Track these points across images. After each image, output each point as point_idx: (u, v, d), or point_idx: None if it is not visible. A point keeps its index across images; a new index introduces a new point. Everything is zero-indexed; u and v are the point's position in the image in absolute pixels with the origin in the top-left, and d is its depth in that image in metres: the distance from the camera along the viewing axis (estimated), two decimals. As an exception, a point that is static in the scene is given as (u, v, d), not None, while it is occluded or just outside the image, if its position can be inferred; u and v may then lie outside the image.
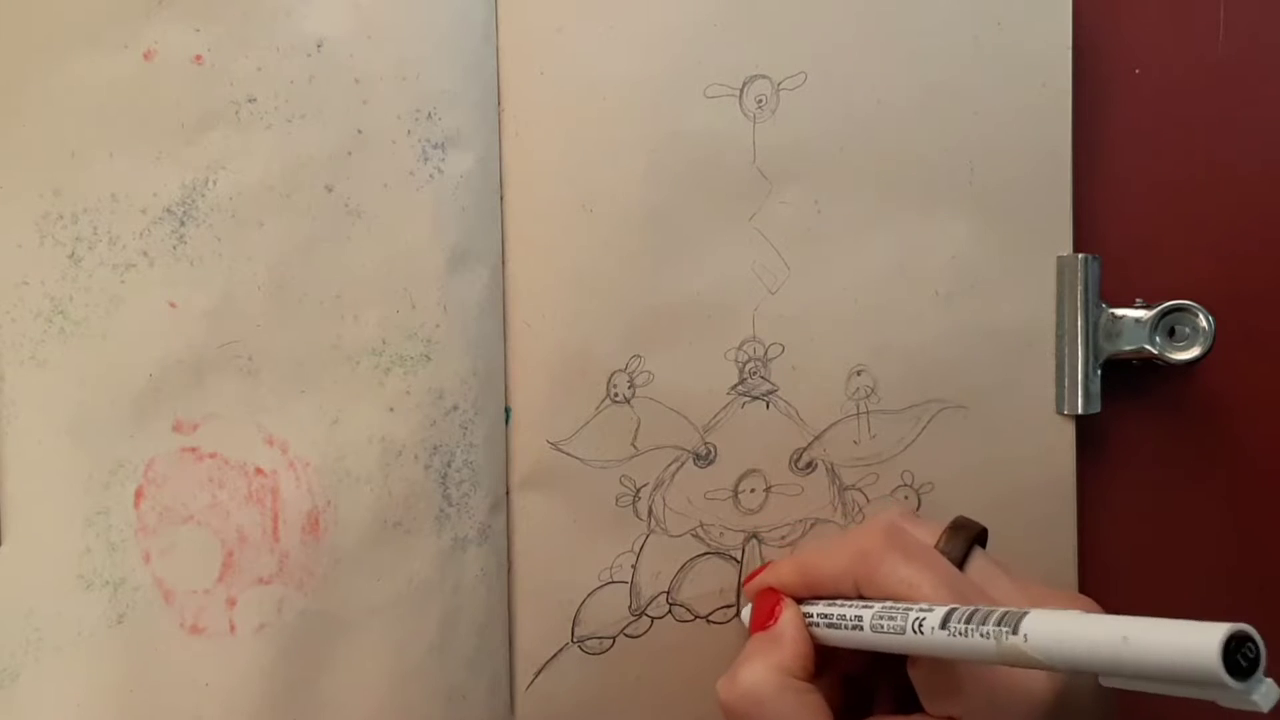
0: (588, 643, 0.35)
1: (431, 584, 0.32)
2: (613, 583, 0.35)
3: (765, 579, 0.32)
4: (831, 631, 0.29)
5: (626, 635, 0.35)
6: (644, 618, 0.35)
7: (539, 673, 0.34)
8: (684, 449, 0.35)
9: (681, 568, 0.35)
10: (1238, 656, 0.19)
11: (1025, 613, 0.23)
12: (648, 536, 0.35)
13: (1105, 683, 0.22)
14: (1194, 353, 0.35)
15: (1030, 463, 0.36)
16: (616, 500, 0.35)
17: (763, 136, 0.34)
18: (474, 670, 0.33)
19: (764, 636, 0.30)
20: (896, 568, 0.28)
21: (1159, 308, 0.35)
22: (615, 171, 0.34)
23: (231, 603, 0.31)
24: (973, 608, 0.25)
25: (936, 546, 0.29)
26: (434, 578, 0.32)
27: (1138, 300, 0.36)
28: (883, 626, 0.27)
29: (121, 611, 0.30)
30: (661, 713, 0.35)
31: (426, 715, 0.32)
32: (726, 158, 0.34)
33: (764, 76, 0.34)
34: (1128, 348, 0.35)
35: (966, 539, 0.30)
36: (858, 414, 0.35)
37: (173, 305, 0.30)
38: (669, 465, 0.35)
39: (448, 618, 0.33)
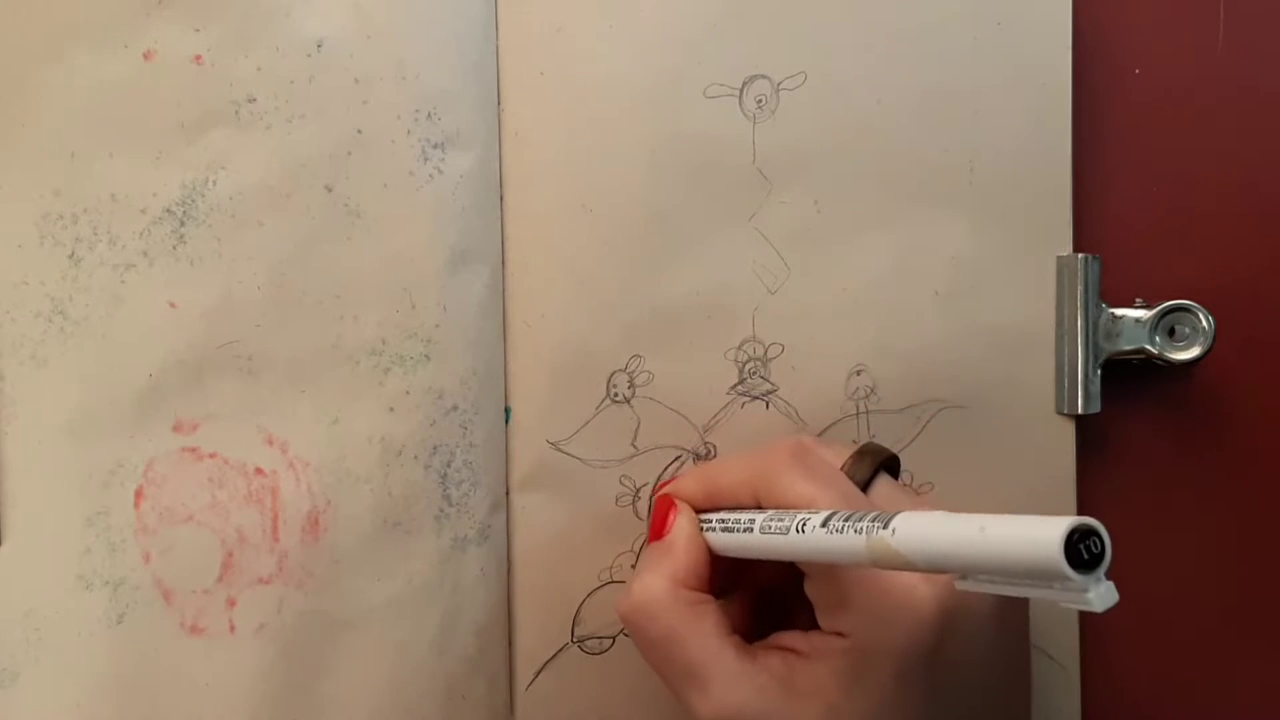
0: (588, 643, 0.35)
1: (431, 584, 0.32)
2: (613, 583, 0.35)
3: (666, 489, 0.32)
4: (726, 536, 0.29)
5: (626, 635, 0.35)
6: (644, 618, 0.35)
7: (539, 673, 0.34)
8: (684, 449, 0.35)
9: (681, 568, 0.35)
10: (1081, 548, 0.19)
11: (898, 513, 0.23)
12: (648, 536, 0.35)
13: (960, 586, 0.22)
14: (1194, 353, 0.35)
15: (1030, 463, 0.36)
16: (616, 500, 0.35)
17: (763, 136, 0.34)
18: (474, 670, 0.33)
19: (658, 546, 0.30)
20: (795, 482, 0.28)
21: (1159, 308, 0.35)
22: (615, 171, 0.34)
23: (231, 603, 0.31)
24: (853, 511, 0.25)
25: (842, 469, 0.30)
26: (434, 578, 0.32)
27: (1138, 300, 0.36)
28: (770, 528, 0.27)
29: (121, 611, 0.30)
30: (661, 713, 0.35)
31: (426, 715, 0.32)
32: (726, 158, 0.34)
33: (764, 76, 0.34)
34: (1128, 348, 0.35)
35: (873, 463, 0.30)
36: (857, 414, 0.35)
37: (173, 305, 0.30)
38: (669, 465, 0.35)
39: (448, 618, 0.33)
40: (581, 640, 0.35)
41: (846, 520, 0.24)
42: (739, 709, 0.27)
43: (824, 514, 0.25)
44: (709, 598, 0.29)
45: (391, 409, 0.32)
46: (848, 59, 0.34)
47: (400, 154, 0.32)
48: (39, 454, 0.30)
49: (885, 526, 0.23)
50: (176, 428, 0.30)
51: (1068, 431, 0.36)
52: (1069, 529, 0.19)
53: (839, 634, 0.27)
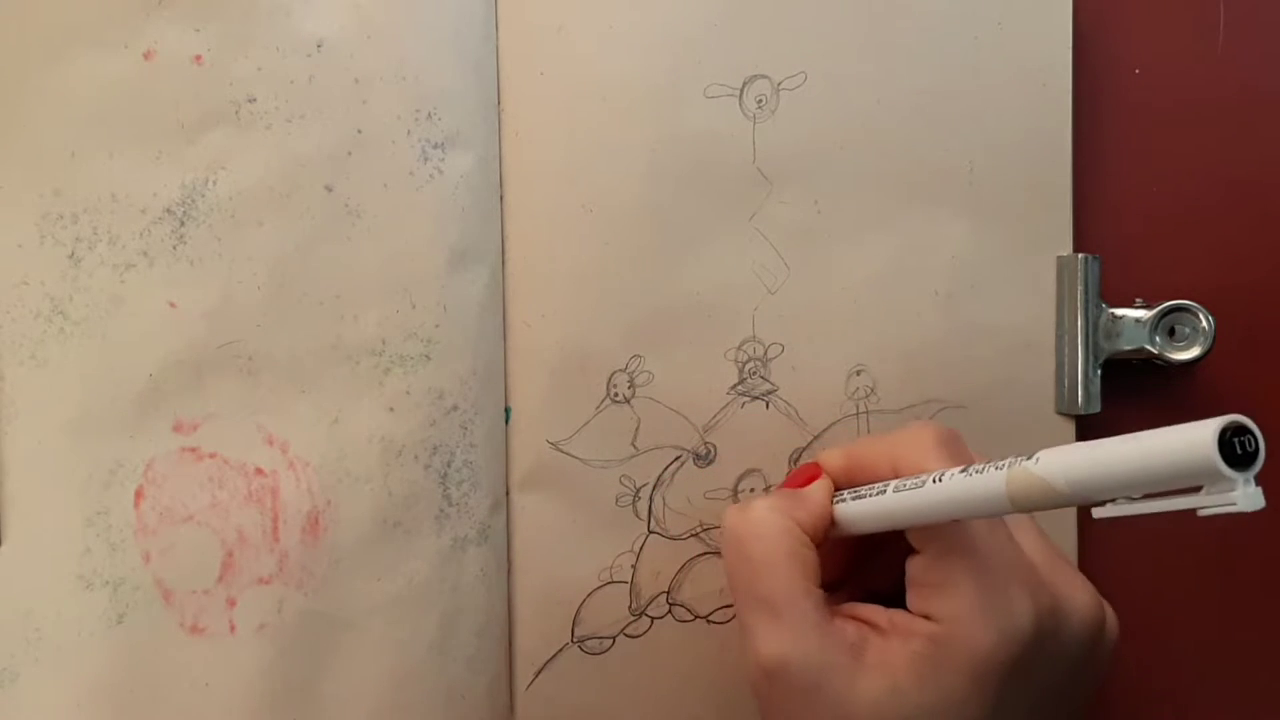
0: (588, 643, 0.35)
1: (431, 584, 0.32)
2: (613, 583, 0.35)
3: (814, 459, 0.32)
4: (855, 505, 0.29)
5: (626, 635, 0.35)
6: (644, 618, 0.35)
7: (539, 673, 0.34)
8: (684, 449, 0.35)
9: (681, 568, 0.35)
10: (1235, 443, 0.19)
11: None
12: (648, 536, 0.35)
13: (1099, 514, 0.22)
14: (1194, 353, 0.35)
15: (1030, 463, 0.36)
16: (616, 500, 0.35)
17: (763, 136, 0.34)
18: (474, 670, 0.33)
19: (790, 491, 0.30)
20: (943, 462, 0.28)
21: (1159, 308, 0.35)
22: (615, 171, 0.34)
23: (231, 603, 0.31)
24: (992, 461, 0.25)
25: None
26: (434, 578, 0.32)
27: (1138, 300, 0.36)
28: (905, 486, 0.27)
29: (121, 611, 0.30)
30: (661, 713, 0.35)
31: (426, 715, 0.32)
32: (726, 158, 0.34)
33: (764, 76, 0.34)
34: (1128, 348, 0.35)
35: None
36: (857, 414, 0.35)
37: (173, 305, 0.30)
38: (669, 465, 0.35)
39: (448, 618, 0.33)
40: (581, 640, 0.35)
41: (989, 463, 0.24)
42: (800, 655, 0.27)
43: (960, 467, 0.25)
44: (814, 547, 0.29)
45: (391, 409, 0.32)
46: (848, 59, 0.34)
47: (400, 154, 0.32)
48: (39, 454, 0.30)
49: (1029, 459, 0.23)
50: (176, 428, 0.30)
51: (1068, 431, 0.36)
52: (1223, 424, 0.19)
53: (928, 617, 0.27)
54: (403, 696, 0.32)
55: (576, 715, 0.35)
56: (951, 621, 0.27)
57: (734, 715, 0.35)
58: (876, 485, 0.28)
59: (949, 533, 0.27)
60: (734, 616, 0.35)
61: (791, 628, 0.27)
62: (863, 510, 0.29)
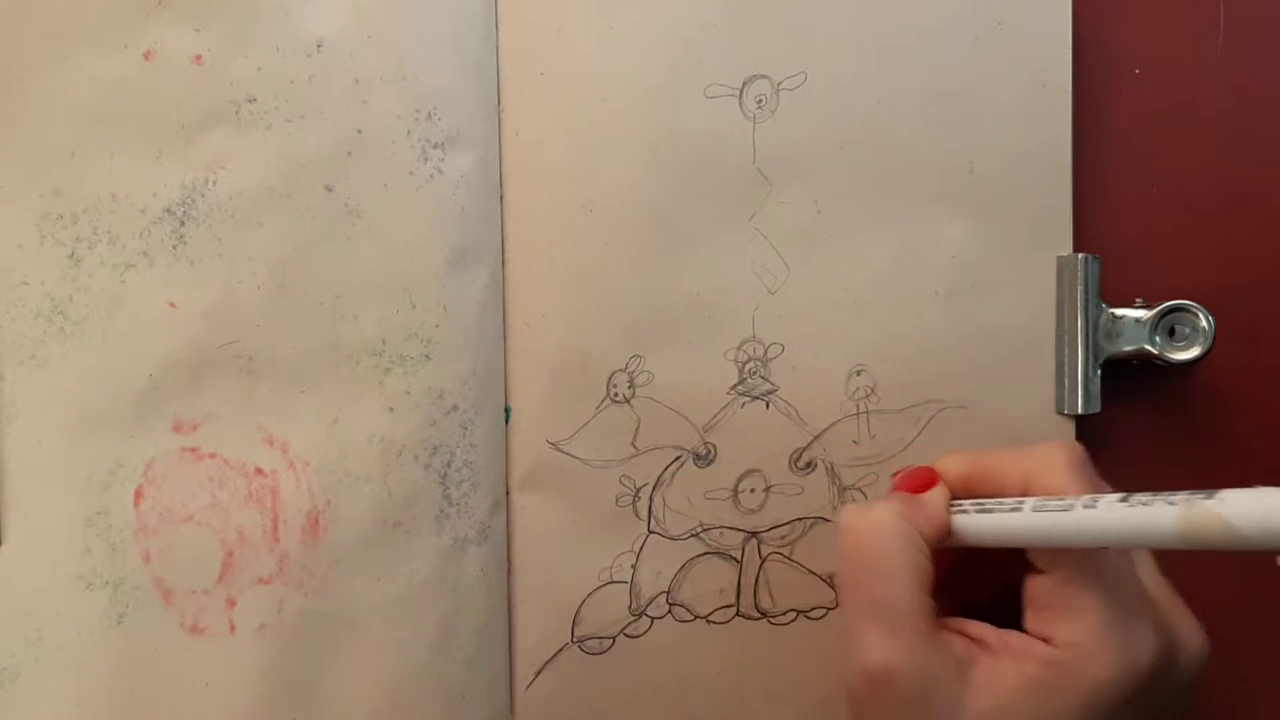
0: (588, 643, 0.35)
1: (431, 584, 0.32)
2: (613, 583, 0.35)
3: (932, 464, 0.31)
4: (980, 519, 0.28)
5: (626, 635, 0.35)
6: (644, 618, 0.35)
7: (539, 673, 0.34)
8: (684, 449, 0.35)
9: (681, 568, 0.35)
10: None
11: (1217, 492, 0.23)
12: (648, 536, 0.35)
13: None
14: (1194, 353, 0.35)
15: (1030, 463, 0.36)
16: (616, 500, 0.35)
17: (763, 136, 0.34)
18: (474, 670, 0.33)
19: (910, 496, 0.29)
20: (1081, 485, 0.27)
21: (1159, 308, 0.35)
22: (615, 171, 0.34)
23: (231, 603, 0.31)
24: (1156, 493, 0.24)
25: None
26: (434, 578, 0.32)
27: (1138, 300, 0.36)
28: (1048, 506, 0.26)
29: (121, 611, 0.30)
30: (661, 713, 0.35)
31: (426, 715, 0.32)
32: (726, 158, 0.34)
33: (764, 76, 0.34)
34: (1128, 348, 0.35)
35: None
36: (857, 414, 0.35)
37: (173, 305, 0.30)
38: (669, 465, 0.35)
39: (448, 618, 0.33)
40: (581, 640, 0.35)
41: (1155, 496, 0.23)
42: (908, 666, 0.27)
43: (1121, 494, 0.24)
44: (932, 558, 0.28)
45: (391, 409, 0.32)
46: (848, 59, 0.34)
47: (400, 154, 0.32)
48: (39, 454, 0.30)
49: (1206, 496, 0.22)
50: (176, 428, 0.30)
51: (1068, 431, 0.36)
52: None
53: (1047, 641, 0.27)
54: (403, 696, 0.32)
55: (576, 715, 0.35)
56: (1073, 648, 0.26)
57: (733, 715, 0.35)
58: (1007, 501, 0.28)
59: (1079, 557, 0.27)
60: (734, 616, 0.35)
61: (903, 637, 0.27)
62: (995, 525, 0.28)
